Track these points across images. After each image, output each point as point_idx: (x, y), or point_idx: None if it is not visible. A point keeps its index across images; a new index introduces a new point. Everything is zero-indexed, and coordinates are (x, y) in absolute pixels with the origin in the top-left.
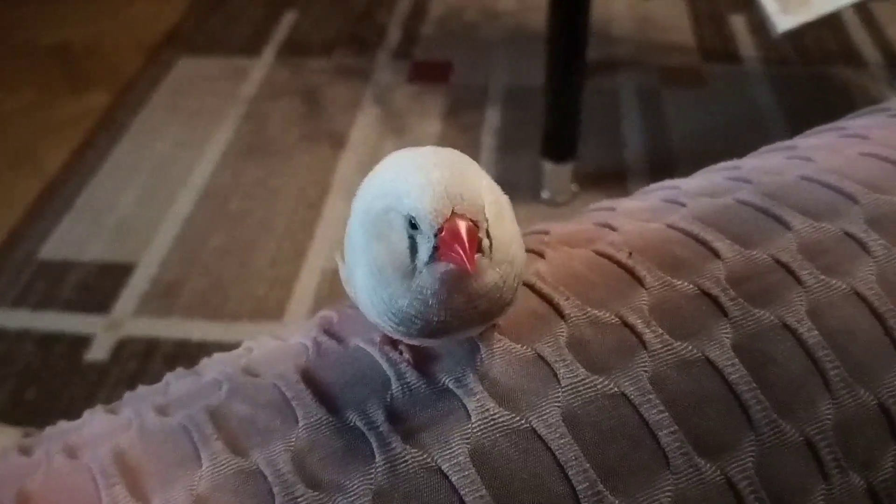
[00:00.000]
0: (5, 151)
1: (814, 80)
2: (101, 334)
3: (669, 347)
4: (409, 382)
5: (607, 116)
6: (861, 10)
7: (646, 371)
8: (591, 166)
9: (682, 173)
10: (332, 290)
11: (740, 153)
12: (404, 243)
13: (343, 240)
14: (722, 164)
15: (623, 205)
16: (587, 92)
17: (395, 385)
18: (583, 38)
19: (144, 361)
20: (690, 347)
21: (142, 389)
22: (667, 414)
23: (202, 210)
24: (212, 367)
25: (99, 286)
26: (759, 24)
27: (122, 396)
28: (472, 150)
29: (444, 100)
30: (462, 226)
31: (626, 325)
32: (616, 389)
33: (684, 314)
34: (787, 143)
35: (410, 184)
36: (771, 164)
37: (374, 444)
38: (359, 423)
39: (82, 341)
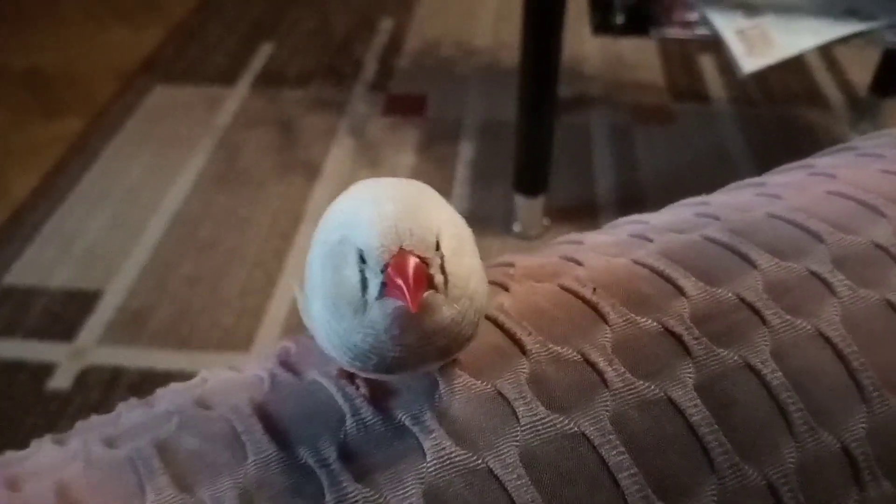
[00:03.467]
0: None
1: (779, 119)
2: (64, 362)
3: (631, 387)
4: (364, 418)
5: (579, 152)
6: (824, 53)
7: (607, 410)
8: (562, 200)
9: (651, 208)
10: (301, 321)
11: (708, 189)
12: (356, 277)
13: (304, 269)
14: (691, 200)
15: (590, 238)
16: (560, 128)
17: (349, 421)
18: (553, 75)
19: (108, 390)
20: (653, 387)
21: (94, 419)
22: (627, 455)
23: (172, 238)
24: (165, 398)
25: (64, 313)
26: (727, 65)
27: (78, 423)
28: (446, 183)
29: (418, 132)
30: (409, 262)
31: (588, 362)
32: (576, 429)
33: (647, 353)
34: (756, 179)
35: (362, 217)
36: (739, 200)
37: (325, 483)
38: (310, 461)
39: (45, 369)
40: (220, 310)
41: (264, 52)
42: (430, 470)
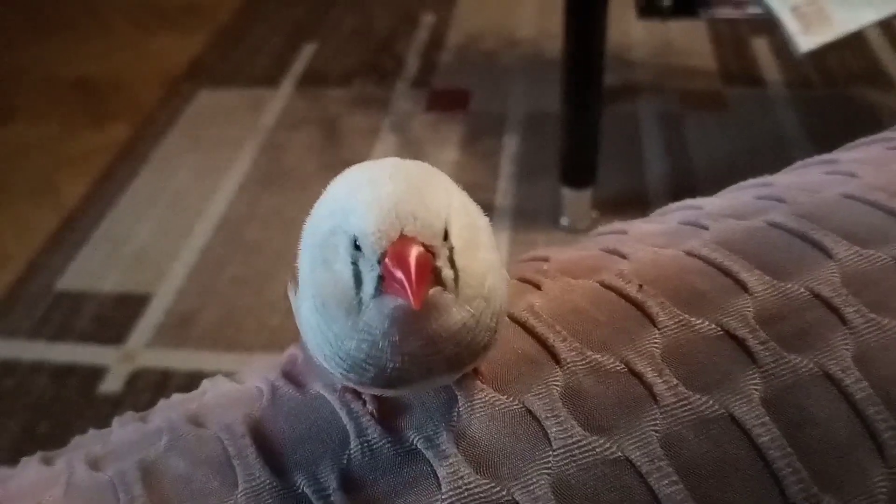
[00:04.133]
0: (25, 183)
1: (839, 101)
2: (115, 366)
3: (685, 402)
4: (370, 440)
5: (628, 141)
6: (886, 28)
7: (656, 431)
8: (611, 192)
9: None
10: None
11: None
12: (348, 271)
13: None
14: (751, 181)
15: (636, 228)
16: (607, 117)
17: (353, 443)
18: (598, 63)
19: (158, 393)
20: (711, 402)
21: (90, 434)
22: (681, 486)
23: (219, 240)
24: (160, 412)
25: (114, 317)
26: (782, 46)
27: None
28: (491, 178)
29: (461, 128)
30: (411, 251)
31: (633, 373)
32: (619, 454)
33: (704, 361)
34: (826, 156)
35: (357, 200)
36: (807, 180)
37: None
38: (307, 490)
39: (96, 373)
40: (266, 311)
41: (307, 52)
42: (445, 503)
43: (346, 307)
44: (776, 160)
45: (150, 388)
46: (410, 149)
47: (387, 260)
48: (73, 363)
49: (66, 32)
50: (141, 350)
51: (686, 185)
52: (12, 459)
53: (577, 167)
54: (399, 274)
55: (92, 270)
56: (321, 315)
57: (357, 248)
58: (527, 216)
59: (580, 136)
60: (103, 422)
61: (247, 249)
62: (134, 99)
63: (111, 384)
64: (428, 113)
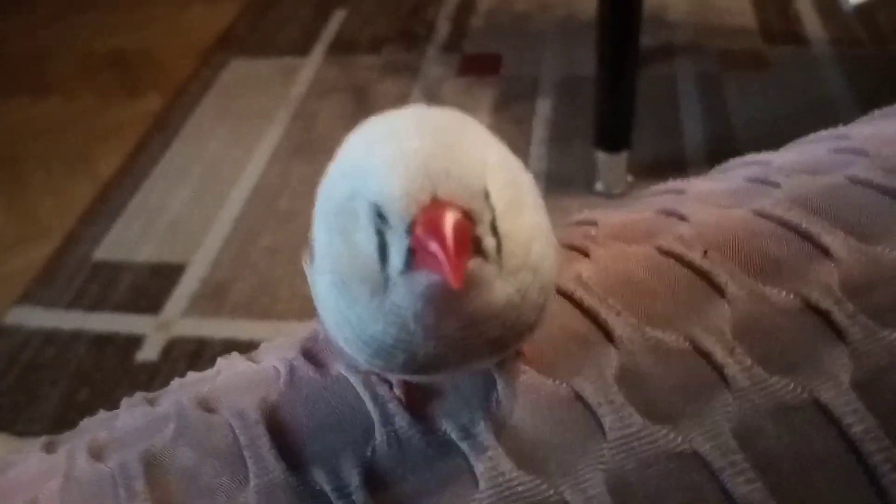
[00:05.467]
0: (62, 156)
1: (888, 60)
2: (151, 335)
3: (762, 386)
4: (398, 430)
5: (664, 104)
6: None
7: (728, 420)
8: (647, 156)
9: None
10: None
11: None
12: (371, 243)
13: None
14: (823, 133)
15: (695, 186)
16: (643, 79)
17: (379, 433)
18: (635, 24)
19: (194, 361)
20: (792, 386)
21: (99, 416)
22: (759, 484)
23: (252, 210)
24: (171, 394)
25: (150, 287)
26: (827, 2)
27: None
28: (524, 143)
29: (494, 92)
30: (447, 217)
31: (699, 352)
32: (686, 446)
33: (783, 338)
34: None
35: (378, 159)
36: (890, 132)
37: None
38: (326, 487)
39: (134, 342)
40: (300, 279)
41: (337, 19)
42: (484, 503)
43: (370, 285)
44: (821, 123)
45: (186, 356)
46: None
47: (418, 229)
48: (110, 332)
49: (99, 7)
50: (177, 319)
51: (725, 148)
52: (55, 426)
53: (613, 131)
54: (433, 246)
55: (128, 241)
56: (341, 293)
57: (381, 216)
58: (561, 181)
59: (615, 99)
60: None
61: (279, 218)
62: (166, 70)
63: (148, 353)
64: (459, 78)
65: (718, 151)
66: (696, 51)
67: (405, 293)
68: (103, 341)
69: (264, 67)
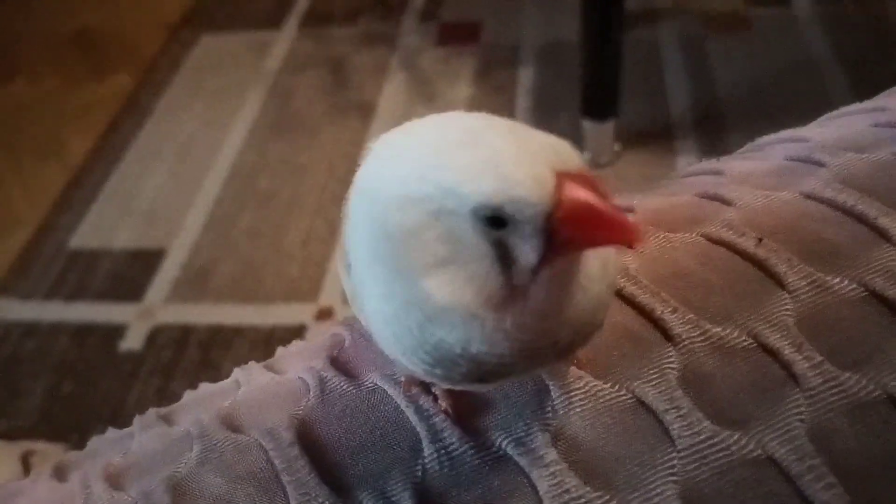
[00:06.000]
0: (30, 141)
1: (871, 20)
2: (134, 323)
3: (834, 383)
4: (447, 446)
5: (649, 69)
6: None
7: (801, 421)
8: (634, 123)
9: (732, 126)
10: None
11: (794, 102)
12: (486, 259)
13: (345, 243)
14: (857, 106)
15: (733, 166)
16: (626, 44)
17: (427, 450)
18: None
19: (180, 349)
20: (864, 382)
21: (108, 434)
22: (840, 489)
23: (231, 191)
24: (188, 410)
25: (130, 274)
26: None
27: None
28: (507, 113)
29: (474, 61)
30: (587, 188)
31: (765, 349)
32: (759, 452)
33: (850, 330)
34: None
35: (461, 163)
36: None
37: None
38: None
39: (116, 331)
40: (283, 261)
41: None
42: None
43: (493, 303)
44: (805, 83)
45: (171, 343)
46: (422, 87)
47: (563, 209)
48: (91, 322)
49: None
50: (159, 306)
51: (712, 112)
52: (41, 420)
53: (599, 98)
54: (594, 216)
55: (104, 227)
56: (418, 316)
57: (493, 220)
58: None
59: (601, 66)
60: (127, 379)
61: (259, 199)
62: (134, 49)
63: (132, 342)
64: (438, 48)
65: (705, 116)
66: (678, 13)
67: (542, 291)
68: (85, 332)
69: (236, 42)
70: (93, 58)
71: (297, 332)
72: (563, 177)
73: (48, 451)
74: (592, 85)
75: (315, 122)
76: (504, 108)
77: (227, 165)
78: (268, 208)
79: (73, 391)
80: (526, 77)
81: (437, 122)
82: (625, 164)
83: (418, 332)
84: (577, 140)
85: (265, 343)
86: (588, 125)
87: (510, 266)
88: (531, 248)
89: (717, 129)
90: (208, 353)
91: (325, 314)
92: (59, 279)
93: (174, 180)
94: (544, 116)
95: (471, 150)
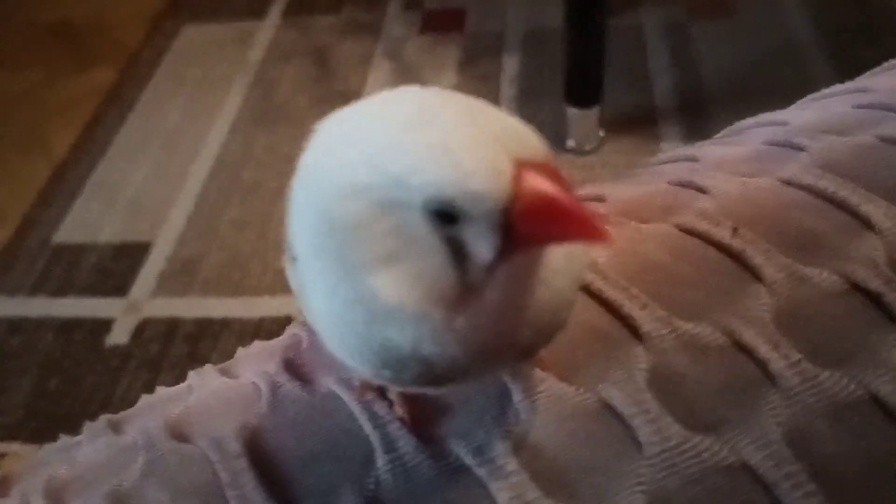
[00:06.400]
0: (13, 135)
1: (852, 3)
2: (121, 317)
3: (813, 383)
4: (402, 456)
5: (632, 55)
6: None
7: (778, 424)
8: (618, 110)
9: (717, 111)
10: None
11: (778, 87)
12: (438, 255)
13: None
14: (839, 87)
15: (709, 153)
16: (610, 31)
17: (381, 461)
18: None
19: (167, 342)
20: (846, 381)
21: (59, 442)
22: (820, 498)
23: (216, 183)
24: (137, 417)
25: (116, 268)
26: None
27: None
28: (492, 101)
29: (458, 50)
30: (549, 179)
31: (739, 347)
32: (734, 458)
33: (830, 325)
34: None
35: (412, 149)
36: None
37: None
38: None
39: (102, 325)
40: (271, 252)
41: None
42: None
43: (446, 302)
44: (789, 68)
45: (158, 337)
46: (406, 75)
47: (523, 202)
48: (77, 317)
49: None
50: (146, 300)
51: (696, 98)
52: (27, 417)
53: (583, 85)
54: (555, 210)
55: (88, 221)
56: (368, 314)
57: (445, 215)
58: None
59: (585, 52)
60: (114, 374)
61: (245, 190)
62: (116, 40)
63: (118, 336)
64: (422, 36)
65: (689, 102)
66: (662, 0)
67: (498, 290)
68: (71, 327)
69: (219, 32)
70: (75, 50)
71: (285, 323)
72: (522, 166)
73: (21, 453)
74: (576, 72)
75: (300, 112)
76: (489, 96)
77: (211, 157)
78: (253, 199)
79: (60, 386)
80: (511, 65)
81: (389, 99)
82: (609, 150)
83: (364, 332)
84: (562, 127)
85: (253, 335)
86: (572, 112)
87: (464, 262)
88: (486, 245)
89: (702, 114)
90: (196, 347)
91: None
92: (43, 274)
93: (158, 173)
94: (529, 104)
95: (423, 133)
